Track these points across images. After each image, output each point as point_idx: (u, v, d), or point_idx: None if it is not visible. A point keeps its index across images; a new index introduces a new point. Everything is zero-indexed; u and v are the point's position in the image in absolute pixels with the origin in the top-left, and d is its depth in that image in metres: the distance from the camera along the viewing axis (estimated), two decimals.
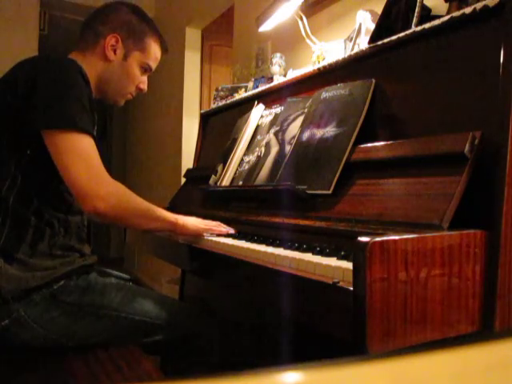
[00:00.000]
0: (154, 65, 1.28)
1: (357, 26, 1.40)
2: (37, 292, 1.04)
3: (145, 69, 1.26)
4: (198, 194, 1.72)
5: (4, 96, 1.06)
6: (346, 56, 1.25)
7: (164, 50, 1.30)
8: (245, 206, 1.36)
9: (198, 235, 1.21)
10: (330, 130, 1.14)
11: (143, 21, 1.24)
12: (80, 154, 1.00)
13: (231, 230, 1.24)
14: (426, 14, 1.12)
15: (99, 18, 1.22)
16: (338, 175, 1.03)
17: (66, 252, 1.11)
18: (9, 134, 1.05)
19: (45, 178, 1.07)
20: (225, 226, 1.25)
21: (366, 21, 1.37)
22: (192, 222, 1.20)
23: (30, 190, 1.06)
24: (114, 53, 1.20)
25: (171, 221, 1.15)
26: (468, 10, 0.90)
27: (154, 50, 1.26)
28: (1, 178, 1.04)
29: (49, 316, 1.04)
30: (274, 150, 1.35)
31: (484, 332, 0.73)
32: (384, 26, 1.16)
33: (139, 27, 1.23)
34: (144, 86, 1.29)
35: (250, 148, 1.52)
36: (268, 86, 1.65)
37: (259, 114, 1.57)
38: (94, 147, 1.04)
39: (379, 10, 1.21)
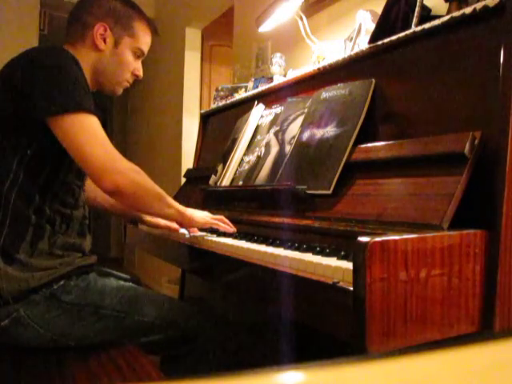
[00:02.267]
0: (145, 48, 1.27)
1: (357, 26, 1.40)
2: (37, 292, 1.04)
3: (137, 54, 1.25)
4: (197, 194, 1.72)
5: (2, 94, 1.06)
6: (346, 56, 1.25)
7: (153, 31, 1.29)
8: (245, 205, 1.36)
9: (204, 226, 1.21)
10: (329, 130, 1.14)
11: (128, 5, 1.23)
12: (92, 133, 1.01)
13: (231, 229, 1.23)
14: (426, 14, 1.12)
15: (84, 8, 1.20)
16: (337, 175, 1.03)
17: (66, 251, 1.11)
18: (9, 132, 1.05)
19: (50, 174, 1.07)
20: (227, 221, 1.24)
21: (365, 21, 1.37)
22: (199, 214, 1.21)
23: (33, 188, 1.06)
24: (104, 42, 1.19)
25: (180, 210, 1.16)
26: (468, 9, 0.90)
27: (144, 34, 1.25)
28: (2, 177, 1.04)
29: (49, 316, 1.04)
30: (274, 150, 1.35)
31: (484, 332, 0.73)
32: (384, 26, 1.16)
33: (125, 12, 1.21)
34: (139, 73, 1.27)
35: (249, 148, 1.52)
36: (268, 86, 1.65)
37: (259, 114, 1.57)
38: (100, 125, 1.04)
39: (379, 10, 1.21)
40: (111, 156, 1.01)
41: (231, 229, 1.22)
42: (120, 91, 1.29)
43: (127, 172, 1.02)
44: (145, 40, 1.25)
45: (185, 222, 1.20)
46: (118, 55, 1.21)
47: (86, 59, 1.17)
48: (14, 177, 1.04)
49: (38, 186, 1.06)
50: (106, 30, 1.18)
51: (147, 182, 1.08)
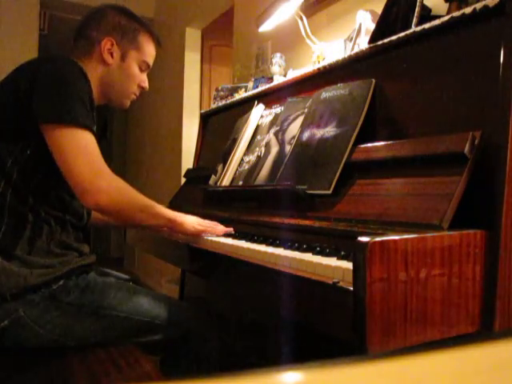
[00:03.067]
0: (151, 61, 1.29)
1: (357, 26, 1.40)
2: (36, 292, 1.04)
3: (143, 67, 1.28)
4: (198, 194, 1.72)
5: (6, 97, 1.07)
6: (345, 56, 1.25)
7: (158, 44, 1.31)
8: (245, 205, 1.36)
9: (194, 235, 1.21)
10: (329, 130, 1.14)
11: (132, 19, 1.25)
12: (81, 149, 1.01)
13: (229, 230, 1.23)
14: (426, 14, 1.12)
15: (90, 25, 1.23)
16: (337, 175, 1.03)
17: (65, 250, 1.11)
18: (8, 133, 1.06)
19: (43, 177, 1.08)
20: (222, 226, 1.24)
21: (365, 21, 1.37)
22: (190, 221, 1.19)
23: (26, 188, 1.07)
24: (112, 56, 1.21)
25: (170, 218, 1.15)
26: (468, 9, 0.90)
27: (149, 47, 1.27)
28: None
29: (48, 316, 1.04)
30: (274, 150, 1.35)
31: (484, 332, 0.73)
32: (384, 25, 1.16)
33: (130, 26, 1.24)
34: (146, 85, 1.30)
35: (250, 148, 1.52)
36: (268, 86, 1.65)
37: (259, 114, 1.57)
38: (95, 142, 1.05)
39: (379, 10, 1.21)
40: (96, 174, 1.01)
41: (221, 230, 1.22)
42: (128, 104, 1.31)
43: (110, 192, 1.02)
44: (150, 52, 1.28)
45: (175, 229, 1.19)
46: (125, 69, 1.24)
47: (93, 73, 1.18)
48: (7, 177, 1.05)
49: (30, 187, 1.07)
50: (112, 45, 1.21)
51: (132, 199, 1.09)
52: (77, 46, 1.23)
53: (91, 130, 1.04)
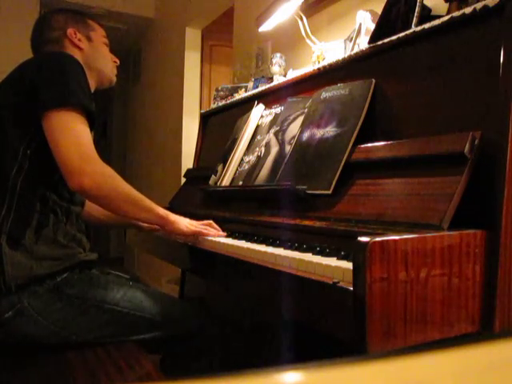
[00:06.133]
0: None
1: (357, 26, 1.40)
2: (41, 283, 1.06)
3: (106, 44, 1.37)
4: (198, 193, 1.72)
5: (12, 92, 1.10)
6: (345, 56, 1.25)
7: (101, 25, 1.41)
8: (245, 205, 1.36)
9: (186, 235, 1.19)
10: (329, 130, 1.14)
11: (72, 12, 1.35)
12: (71, 131, 1.04)
13: (221, 234, 1.21)
14: (426, 14, 1.12)
15: (45, 30, 1.29)
16: (337, 175, 1.03)
17: (69, 242, 1.13)
18: (20, 121, 1.09)
19: (51, 165, 1.09)
20: (216, 226, 1.23)
21: (365, 21, 1.37)
22: (184, 222, 1.18)
23: (37, 176, 1.09)
24: (81, 41, 1.29)
25: (161, 215, 1.14)
26: (468, 9, 0.90)
27: (99, 27, 1.37)
28: (10, 163, 1.07)
29: (52, 308, 1.06)
30: (274, 150, 1.35)
31: (484, 332, 0.73)
32: (384, 26, 1.16)
33: (76, 15, 1.33)
34: (116, 59, 1.39)
35: (249, 148, 1.52)
36: (268, 86, 1.65)
37: (259, 114, 1.57)
38: (87, 128, 1.08)
39: (379, 10, 1.21)
40: (83, 157, 1.02)
41: (222, 233, 1.21)
42: (115, 78, 1.39)
43: (95, 176, 1.02)
44: (103, 31, 1.38)
45: (167, 227, 1.16)
46: (96, 47, 1.32)
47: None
48: (20, 164, 1.07)
49: (41, 175, 1.09)
50: (75, 33, 1.28)
51: (118, 187, 1.08)
52: (45, 52, 1.27)
53: (87, 116, 1.07)
